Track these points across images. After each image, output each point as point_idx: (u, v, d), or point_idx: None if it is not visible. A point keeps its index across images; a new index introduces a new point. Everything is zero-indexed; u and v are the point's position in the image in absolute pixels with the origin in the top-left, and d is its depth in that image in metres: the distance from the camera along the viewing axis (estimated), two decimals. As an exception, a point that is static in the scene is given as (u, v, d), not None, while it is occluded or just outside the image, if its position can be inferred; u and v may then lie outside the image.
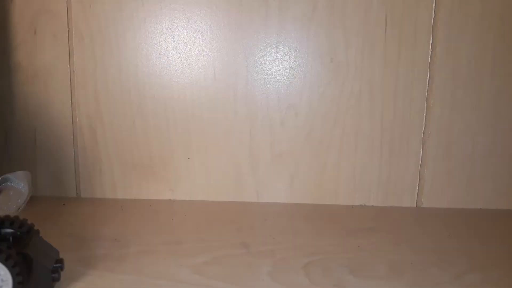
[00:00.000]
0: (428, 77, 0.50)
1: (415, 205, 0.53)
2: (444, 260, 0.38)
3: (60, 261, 0.33)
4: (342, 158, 0.52)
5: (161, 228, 0.45)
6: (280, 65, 0.51)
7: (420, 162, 0.52)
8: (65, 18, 0.51)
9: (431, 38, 0.49)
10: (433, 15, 0.49)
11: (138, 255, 0.38)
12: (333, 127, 0.51)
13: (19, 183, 0.48)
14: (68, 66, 0.52)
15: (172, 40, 0.51)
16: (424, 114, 0.51)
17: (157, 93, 0.52)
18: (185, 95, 0.52)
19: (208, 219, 0.48)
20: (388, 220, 0.49)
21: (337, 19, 0.49)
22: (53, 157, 0.54)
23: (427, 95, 0.50)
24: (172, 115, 0.52)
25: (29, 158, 0.54)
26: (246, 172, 0.53)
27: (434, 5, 0.49)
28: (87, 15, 0.50)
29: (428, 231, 0.46)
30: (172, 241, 0.42)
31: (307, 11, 0.49)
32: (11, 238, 0.32)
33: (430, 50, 0.49)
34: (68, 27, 0.51)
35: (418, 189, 0.52)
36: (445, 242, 0.43)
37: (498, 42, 0.49)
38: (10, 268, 0.29)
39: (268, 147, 0.52)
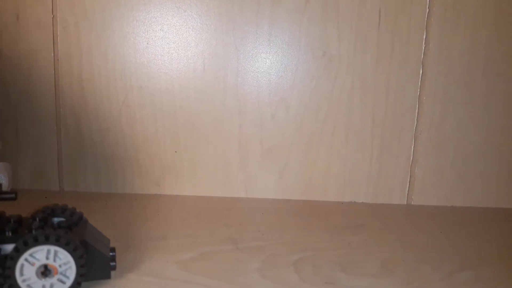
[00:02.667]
0: (421, 72, 0.49)
1: (405, 203, 0.52)
2: (436, 258, 0.38)
3: (113, 249, 0.32)
4: (332, 153, 0.51)
5: (147, 223, 0.44)
6: (272, 57, 0.50)
7: (411, 158, 0.51)
8: (50, 4, 0.49)
9: (425, 33, 0.49)
10: (427, 10, 0.48)
11: (122, 250, 0.37)
12: (324, 122, 0.51)
13: (-1, 175, 0.47)
14: (52, 54, 0.50)
15: (160, 29, 0.49)
16: (416, 110, 0.50)
17: (144, 84, 0.50)
18: (173, 86, 0.50)
19: (195, 214, 0.47)
20: (378, 217, 0.48)
21: (330, 12, 0.48)
22: (36, 149, 0.52)
23: (420, 91, 0.50)
24: (160, 107, 0.51)
25: (10, 149, 0.52)
26: (235, 166, 0.52)
27: (428, 0, 0.48)
28: (73, 2, 0.49)
29: (419, 228, 0.45)
30: (158, 237, 0.40)
31: (300, 3, 0.48)
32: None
33: (424, 45, 0.49)
34: (52, 13, 0.49)
35: (408, 186, 0.52)
36: (437, 240, 0.42)
37: (491, 39, 0.49)
38: (72, 252, 0.28)
39: (258, 142, 0.51)
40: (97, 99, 0.50)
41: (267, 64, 0.50)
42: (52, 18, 0.49)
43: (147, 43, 0.49)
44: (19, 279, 0.28)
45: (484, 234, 0.44)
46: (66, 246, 0.28)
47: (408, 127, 0.51)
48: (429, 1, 0.48)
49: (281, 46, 0.49)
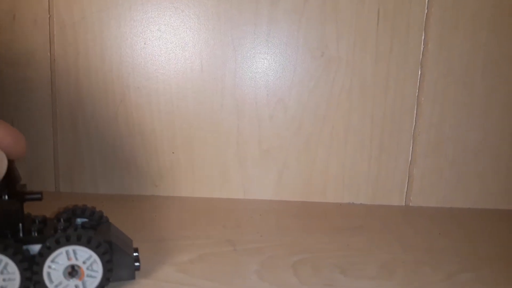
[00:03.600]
0: (419, 73, 0.49)
1: (403, 204, 0.52)
2: (436, 259, 0.38)
3: (137, 249, 0.32)
4: (331, 154, 0.51)
5: (144, 224, 0.44)
6: (270, 58, 0.49)
7: (409, 159, 0.51)
8: (46, 3, 0.48)
9: (424, 34, 0.48)
10: (426, 10, 0.48)
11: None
12: (322, 123, 0.50)
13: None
14: (49, 54, 0.49)
15: (158, 29, 0.49)
16: (415, 111, 0.50)
17: (142, 85, 0.50)
18: (170, 87, 0.50)
19: (193, 216, 0.46)
20: (377, 218, 0.48)
21: (329, 12, 0.48)
22: (32, 149, 0.52)
23: (418, 91, 0.50)
24: (157, 108, 0.50)
25: (5, 150, 0.52)
26: (233, 167, 0.52)
27: (427, 0, 0.48)
28: (70, 1, 0.48)
29: (418, 229, 0.45)
30: (155, 238, 0.40)
31: (299, 3, 0.48)
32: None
33: (422, 46, 0.49)
34: (49, 13, 0.49)
35: (407, 188, 0.52)
36: (436, 241, 0.42)
37: (490, 40, 0.48)
38: (101, 256, 0.28)
39: (256, 142, 0.51)
40: (94, 100, 0.50)
41: (265, 64, 0.49)
42: (49, 18, 0.49)
43: (145, 43, 0.49)
44: (46, 280, 0.28)
45: (483, 235, 0.44)
46: (96, 249, 0.28)
47: (407, 128, 0.50)
48: (428, 2, 0.48)
49: (279, 46, 0.49)
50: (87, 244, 0.28)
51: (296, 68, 0.49)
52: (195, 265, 0.35)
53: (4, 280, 0.27)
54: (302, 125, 0.51)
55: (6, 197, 0.27)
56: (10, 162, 0.26)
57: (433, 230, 0.45)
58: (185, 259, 0.36)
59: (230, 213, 0.48)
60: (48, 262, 0.28)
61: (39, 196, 0.29)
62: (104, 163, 0.52)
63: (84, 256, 0.28)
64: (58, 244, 0.27)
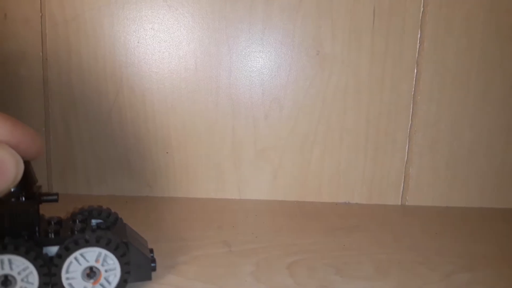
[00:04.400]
0: (415, 72, 0.49)
1: (399, 203, 0.52)
2: (432, 259, 0.37)
3: (152, 250, 0.32)
4: (326, 154, 0.51)
5: (138, 226, 0.43)
6: (265, 57, 0.49)
7: (405, 158, 0.51)
8: (38, 2, 0.48)
9: (419, 32, 0.48)
10: (422, 9, 0.48)
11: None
12: (318, 122, 0.50)
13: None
14: (41, 53, 0.49)
15: (151, 28, 0.48)
16: (411, 110, 0.50)
17: (135, 84, 0.49)
18: (164, 86, 0.49)
19: (187, 216, 0.46)
20: (373, 218, 0.47)
21: (324, 11, 0.48)
22: (24, 150, 0.51)
23: (414, 90, 0.49)
24: (151, 107, 0.50)
25: (-3, 150, 0.51)
26: (227, 167, 0.51)
27: (422, -2, 0.48)
28: (62, 0, 0.48)
29: (414, 229, 0.45)
30: (149, 240, 0.39)
31: (294, 1, 0.48)
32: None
33: (418, 44, 0.48)
34: (41, 12, 0.48)
35: (403, 187, 0.52)
36: (432, 241, 0.42)
37: (486, 38, 0.48)
38: (119, 258, 0.28)
39: (251, 142, 0.50)
40: (87, 99, 0.49)
41: (260, 63, 0.49)
42: (41, 16, 0.48)
43: (138, 42, 0.49)
44: (64, 282, 0.28)
45: (480, 235, 0.44)
46: (114, 251, 0.28)
47: (403, 127, 0.50)
48: (423, 0, 0.48)
49: (274, 45, 0.49)
50: (106, 246, 0.28)
51: (291, 67, 0.49)
52: (190, 267, 0.34)
53: (22, 280, 0.27)
54: (297, 124, 0.50)
55: (23, 198, 0.27)
56: (27, 163, 0.25)
57: (429, 230, 0.44)
58: (179, 261, 0.35)
59: (225, 213, 0.47)
60: (66, 264, 0.28)
61: (55, 197, 0.29)
62: (97, 163, 0.51)
63: (102, 257, 0.28)
64: (77, 246, 0.27)
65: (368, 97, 0.50)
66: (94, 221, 0.32)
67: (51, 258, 0.28)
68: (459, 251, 0.40)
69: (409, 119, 0.50)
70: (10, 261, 0.26)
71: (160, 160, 0.51)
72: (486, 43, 0.48)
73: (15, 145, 0.22)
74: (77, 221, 0.31)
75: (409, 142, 0.50)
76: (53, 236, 0.28)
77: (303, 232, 0.43)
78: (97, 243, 0.28)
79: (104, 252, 0.28)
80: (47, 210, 0.31)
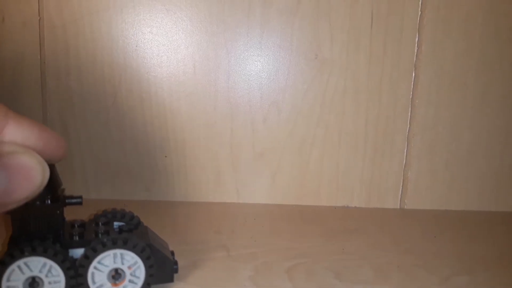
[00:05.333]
0: (413, 75, 0.49)
1: (398, 207, 0.52)
2: (431, 263, 0.37)
3: (173, 252, 0.32)
4: (325, 157, 0.51)
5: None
6: (263, 60, 0.49)
7: (404, 162, 0.51)
8: (36, 5, 0.48)
9: (417, 35, 0.48)
10: (420, 12, 0.48)
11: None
12: (316, 125, 0.50)
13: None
14: (39, 56, 0.49)
15: (150, 32, 0.48)
16: (409, 113, 0.50)
17: (133, 87, 0.49)
18: (162, 90, 0.49)
19: (186, 220, 0.46)
20: (372, 221, 0.47)
21: (322, 14, 0.48)
22: (21, 154, 0.51)
23: (412, 93, 0.49)
24: (149, 111, 0.50)
25: (-5, 154, 0.51)
26: (226, 171, 0.51)
27: (420, 1, 0.48)
28: (60, 3, 0.47)
29: (413, 233, 0.45)
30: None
31: (292, 5, 0.48)
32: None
33: (416, 47, 0.48)
34: (39, 15, 0.48)
35: (402, 190, 0.51)
36: (431, 244, 0.42)
37: (484, 40, 0.48)
38: (145, 260, 0.29)
39: (250, 145, 0.50)
40: (85, 103, 0.49)
41: (259, 67, 0.49)
42: (39, 20, 0.48)
43: (136, 46, 0.49)
44: (90, 282, 0.28)
45: (478, 238, 0.44)
46: (140, 253, 0.29)
47: (401, 130, 0.50)
48: (421, 4, 0.48)
49: (272, 48, 0.49)
50: (133, 248, 0.28)
51: (289, 71, 0.49)
52: (188, 271, 0.34)
53: (49, 283, 0.27)
54: (296, 128, 0.50)
55: (49, 201, 0.27)
56: (52, 167, 0.25)
57: (428, 233, 0.44)
58: (178, 265, 0.35)
59: (224, 217, 0.47)
60: (92, 265, 0.28)
61: (80, 200, 0.29)
62: (95, 167, 0.51)
63: (127, 259, 0.29)
64: (105, 247, 0.28)
65: (366, 100, 0.50)
66: (116, 224, 0.33)
67: (76, 260, 0.28)
68: (458, 254, 0.40)
69: (407, 122, 0.50)
70: (38, 263, 0.27)
71: (158, 163, 0.51)
72: (484, 45, 0.48)
73: (41, 149, 0.22)
74: (100, 223, 0.31)
75: (407, 145, 0.50)
76: (77, 239, 0.29)
77: (302, 236, 0.43)
78: (124, 245, 0.28)
79: (130, 254, 0.28)
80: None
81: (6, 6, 0.48)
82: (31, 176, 0.20)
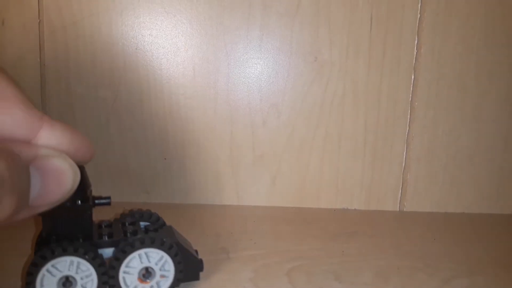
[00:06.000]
0: (413, 78, 0.49)
1: (398, 209, 0.52)
2: (431, 265, 0.37)
3: (197, 252, 0.33)
4: (324, 160, 0.51)
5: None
6: (263, 63, 0.49)
7: (403, 164, 0.51)
8: (36, 8, 0.48)
9: (416, 38, 0.48)
10: (419, 15, 0.48)
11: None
12: (316, 128, 0.50)
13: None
14: (39, 59, 0.49)
15: (149, 34, 0.49)
16: (408, 116, 0.50)
17: (133, 90, 0.49)
18: (162, 92, 0.49)
19: (186, 223, 0.46)
20: (371, 224, 0.47)
21: (321, 17, 0.48)
22: (21, 156, 0.51)
23: (412, 96, 0.49)
24: (149, 113, 0.50)
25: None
26: (226, 173, 0.51)
27: (419, 5, 0.48)
28: (60, 6, 0.48)
29: (412, 235, 0.45)
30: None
31: (291, 8, 0.48)
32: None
33: (415, 50, 0.49)
34: (39, 18, 0.48)
35: (401, 193, 0.52)
36: (431, 247, 0.42)
37: (482, 44, 0.49)
38: (173, 257, 0.30)
39: (250, 148, 0.50)
40: (84, 105, 0.49)
41: (258, 69, 0.49)
42: (39, 22, 0.48)
43: (136, 48, 0.49)
44: (122, 283, 0.29)
45: (478, 240, 0.44)
46: (168, 250, 0.29)
47: (400, 132, 0.50)
48: (420, 6, 0.48)
49: (272, 51, 0.49)
50: (161, 246, 0.29)
51: (289, 73, 0.49)
52: (188, 273, 0.34)
53: (81, 279, 0.28)
54: (295, 131, 0.50)
55: (79, 202, 0.28)
56: (82, 168, 0.26)
57: (427, 236, 0.44)
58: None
59: (224, 220, 0.47)
60: (124, 265, 0.29)
61: (108, 200, 0.30)
62: (94, 170, 0.51)
63: (157, 258, 0.29)
64: (133, 248, 0.29)
65: (365, 103, 0.50)
66: (142, 224, 0.33)
67: (106, 259, 0.29)
68: (457, 256, 0.40)
69: (406, 125, 0.50)
70: (71, 263, 0.27)
71: (158, 166, 0.51)
72: (483, 49, 0.49)
73: (73, 153, 0.22)
74: (127, 223, 0.32)
75: (407, 148, 0.51)
76: (107, 239, 0.29)
77: (301, 238, 0.43)
78: (152, 244, 0.29)
79: (158, 252, 0.29)
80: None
81: (6, 9, 0.48)
82: (63, 180, 0.20)
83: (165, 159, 0.51)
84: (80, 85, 0.49)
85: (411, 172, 0.51)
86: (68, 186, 0.21)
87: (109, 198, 0.30)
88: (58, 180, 0.20)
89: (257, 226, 0.46)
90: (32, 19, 0.48)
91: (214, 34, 0.48)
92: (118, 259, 0.28)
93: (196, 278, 0.32)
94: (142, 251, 0.29)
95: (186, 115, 0.50)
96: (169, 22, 0.48)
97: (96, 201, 0.29)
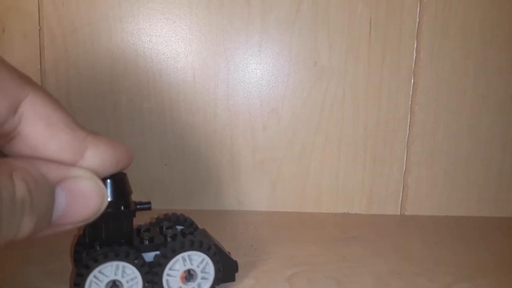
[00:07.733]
0: (412, 82, 0.49)
1: (399, 213, 0.52)
2: (432, 270, 0.37)
3: (229, 253, 0.33)
4: (325, 164, 0.51)
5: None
6: (262, 68, 0.49)
7: (404, 168, 0.51)
8: (36, 16, 0.48)
9: (415, 42, 0.49)
10: (418, 19, 0.48)
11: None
12: (316, 132, 0.50)
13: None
14: (39, 67, 0.49)
15: (149, 41, 0.49)
16: (408, 120, 0.50)
17: (133, 96, 0.49)
18: (162, 98, 0.49)
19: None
20: (372, 228, 0.47)
21: (321, 22, 0.48)
22: (22, 163, 0.51)
23: (411, 100, 0.50)
24: (149, 119, 0.50)
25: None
26: (226, 179, 0.51)
27: (418, 9, 0.48)
28: (60, 14, 0.48)
29: (413, 239, 0.45)
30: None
31: (290, 13, 0.48)
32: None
33: (415, 54, 0.49)
34: (39, 25, 0.48)
35: (402, 197, 0.52)
36: (431, 251, 0.42)
37: (481, 47, 0.49)
38: (212, 257, 0.30)
39: (250, 153, 0.51)
40: (84, 112, 0.50)
41: (258, 74, 0.49)
42: (39, 30, 0.48)
43: (136, 55, 0.49)
44: (165, 283, 0.30)
45: (478, 244, 0.44)
46: (207, 251, 0.30)
47: (400, 136, 0.50)
48: (419, 11, 0.48)
49: (271, 56, 0.49)
50: (200, 248, 0.30)
51: (289, 78, 0.49)
52: (189, 280, 0.34)
53: (127, 282, 0.28)
54: (295, 135, 0.50)
55: (122, 207, 0.28)
56: (123, 175, 0.27)
57: (428, 240, 0.44)
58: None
59: (224, 225, 0.47)
60: (166, 270, 0.29)
61: (149, 206, 0.30)
62: (96, 176, 0.51)
63: (198, 260, 0.30)
64: (175, 252, 0.29)
65: (365, 107, 0.50)
66: (178, 228, 0.34)
67: (150, 263, 0.30)
68: (458, 261, 0.40)
69: (406, 129, 0.50)
70: (117, 267, 0.28)
71: (158, 172, 0.51)
72: (482, 52, 0.49)
73: (115, 165, 0.23)
74: (164, 228, 0.32)
75: (407, 152, 0.51)
76: (147, 243, 0.30)
77: (302, 243, 0.43)
78: (191, 247, 0.30)
79: (198, 254, 0.30)
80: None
81: (6, 17, 0.48)
82: (90, 203, 0.20)
83: (165, 165, 0.51)
84: (80, 92, 0.49)
85: (412, 176, 0.51)
86: (95, 209, 0.21)
87: (149, 203, 0.30)
88: (84, 202, 0.20)
89: (258, 231, 0.46)
90: (32, 27, 0.48)
91: (214, 40, 0.48)
92: (160, 265, 0.29)
93: (232, 279, 0.32)
94: (185, 254, 0.30)
95: (186, 121, 0.50)
96: (168, 28, 0.48)
97: (138, 206, 0.30)
